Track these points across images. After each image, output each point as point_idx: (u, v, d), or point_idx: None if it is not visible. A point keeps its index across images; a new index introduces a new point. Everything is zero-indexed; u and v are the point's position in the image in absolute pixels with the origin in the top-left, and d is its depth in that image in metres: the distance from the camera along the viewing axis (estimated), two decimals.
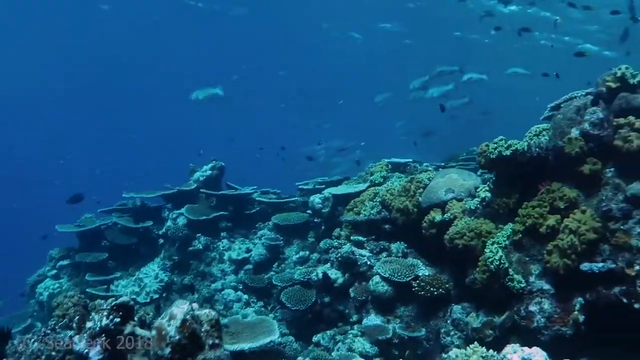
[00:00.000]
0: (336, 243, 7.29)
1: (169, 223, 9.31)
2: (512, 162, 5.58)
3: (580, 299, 4.72)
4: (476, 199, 6.23)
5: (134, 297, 8.13)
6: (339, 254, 6.91)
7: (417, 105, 15.50)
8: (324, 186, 9.18)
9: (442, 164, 8.83)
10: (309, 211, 8.85)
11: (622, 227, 4.82)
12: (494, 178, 5.98)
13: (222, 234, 9.24)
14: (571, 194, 5.18)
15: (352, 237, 7.17)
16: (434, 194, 6.57)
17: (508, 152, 5.49)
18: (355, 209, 7.56)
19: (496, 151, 5.54)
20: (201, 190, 9.84)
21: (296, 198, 9.62)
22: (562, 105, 6.27)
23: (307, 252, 8.43)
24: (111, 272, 8.88)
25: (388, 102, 16.48)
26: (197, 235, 9.01)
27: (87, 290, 8.04)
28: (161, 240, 9.39)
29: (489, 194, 6.06)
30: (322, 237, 8.21)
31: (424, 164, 8.75)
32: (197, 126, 36.31)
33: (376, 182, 7.89)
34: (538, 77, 10.43)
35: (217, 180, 10.29)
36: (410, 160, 8.75)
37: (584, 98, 5.59)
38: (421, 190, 6.80)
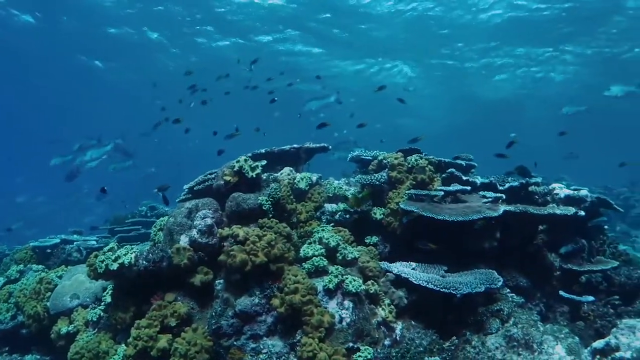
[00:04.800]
0: None
1: None
2: (121, 276, 4.76)
3: None
4: (102, 305, 5.36)
5: None
6: None
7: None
8: None
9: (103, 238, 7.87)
10: None
11: (235, 343, 4.35)
12: (112, 287, 5.12)
13: None
14: (182, 309, 4.55)
15: None
16: (60, 300, 5.59)
17: (115, 266, 4.67)
18: None
19: (103, 264, 4.70)
20: None
21: None
22: (195, 189, 5.65)
23: None
24: None
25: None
26: None
27: None
28: None
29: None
30: None
31: (75, 244, 7.64)
32: None
33: (12, 277, 6.65)
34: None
35: None
36: (58, 240, 7.62)
37: (195, 201, 4.96)
38: (50, 293, 5.75)
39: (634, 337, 4.08)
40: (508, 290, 5.05)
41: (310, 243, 4.79)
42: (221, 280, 4.61)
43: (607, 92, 14.67)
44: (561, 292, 5.08)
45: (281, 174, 5.47)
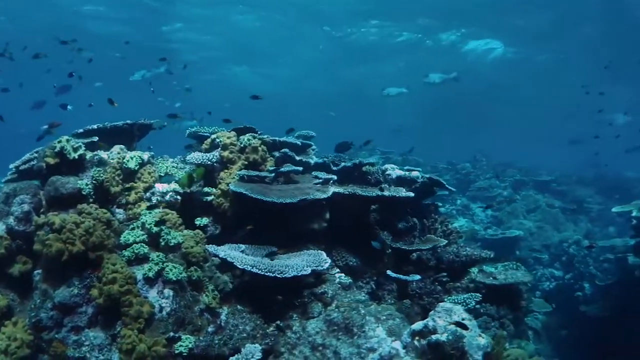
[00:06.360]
0: None
1: None
2: None
3: None
4: None
5: None
6: None
7: None
8: None
9: None
10: None
11: (56, 336, 4.22)
12: None
13: None
14: (2, 302, 4.42)
15: None
16: None
17: None
18: None
19: None
20: None
21: None
22: (21, 168, 5.38)
23: None
24: None
25: None
26: None
27: None
28: None
29: None
30: None
31: None
32: None
33: None
34: None
35: None
36: None
37: (13, 185, 4.77)
38: None
39: (450, 319, 4.29)
40: (338, 270, 5.18)
41: (133, 228, 4.71)
42: (39, 271, 4.48)
43: (425, 79, 14.88)
44: (388, 272, 5.27)
45: (111, 152, 5.30)
